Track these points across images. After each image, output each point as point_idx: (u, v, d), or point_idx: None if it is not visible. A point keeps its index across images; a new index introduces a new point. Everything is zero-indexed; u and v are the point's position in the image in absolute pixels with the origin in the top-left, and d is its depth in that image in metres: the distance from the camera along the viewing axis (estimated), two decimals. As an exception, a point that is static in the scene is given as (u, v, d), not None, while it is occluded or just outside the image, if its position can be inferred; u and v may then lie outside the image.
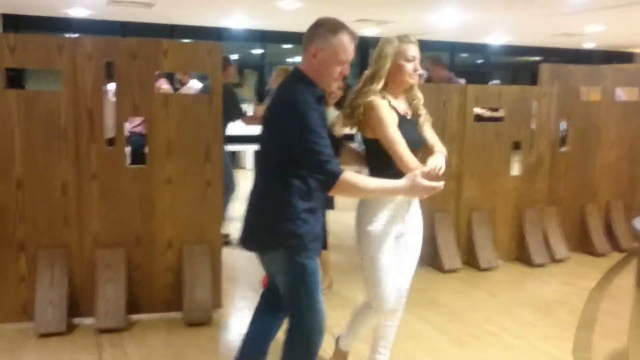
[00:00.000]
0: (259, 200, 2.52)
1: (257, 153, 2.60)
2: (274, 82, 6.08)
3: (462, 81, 6.36)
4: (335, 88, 4.50)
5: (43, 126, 3.78)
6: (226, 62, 6.01)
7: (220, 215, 4.26)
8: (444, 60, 6.75)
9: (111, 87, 4.25)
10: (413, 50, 2.79)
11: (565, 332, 3.94)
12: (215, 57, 4.03)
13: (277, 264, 2.51)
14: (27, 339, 3.63)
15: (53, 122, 3.79)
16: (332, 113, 4.49)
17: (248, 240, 2.58)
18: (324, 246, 2.60)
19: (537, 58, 15.55)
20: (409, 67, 2.77)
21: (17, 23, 11.06)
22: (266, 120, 2.54)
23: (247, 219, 2.56)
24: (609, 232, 5.93)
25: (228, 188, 5.65)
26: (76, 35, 4.02)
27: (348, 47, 2.44)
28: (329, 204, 4.38)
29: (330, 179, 2.32)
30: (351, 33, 2.45)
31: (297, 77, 2.47)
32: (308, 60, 2.44)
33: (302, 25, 2.79)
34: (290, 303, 2.55)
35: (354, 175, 2.37)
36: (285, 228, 2.42)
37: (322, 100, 2.48)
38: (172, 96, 4.31)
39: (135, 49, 3.89)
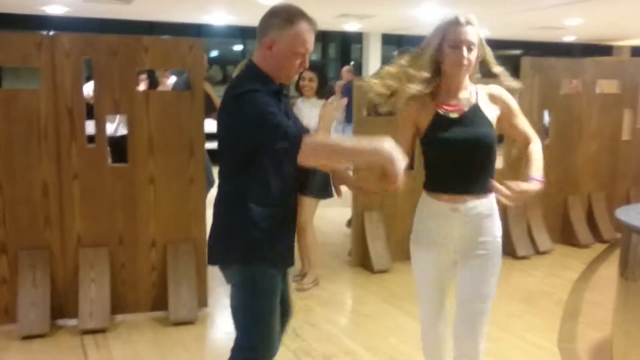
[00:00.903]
0: (217, 207, 2.28)
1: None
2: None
3: None
4: (307, 81, 4.49)
5: (22, 125, 3.71)
6: None
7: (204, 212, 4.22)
8: None
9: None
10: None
11: (550, 323, 3.96)
12: (197, 53, 3.99)
13: (232, 279, 2.27)
14: (10, 341, 3.57)
15: (32, 121, 3.72)
16: (316, 103, 4.47)
17: (209, 253, 2.33)
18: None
19: (517, 51, 15.65)
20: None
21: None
22: (218, 119, 2.29)
23: (210, 229, 2.33)
24: (592, 223, 5.98)
25: (208, 183, 5.60)
26: (53, 32, 3.94)
27: (307, 38, 2.20)
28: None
29: (294, 143, 2.01)
30: (309, 21, 2.21)
31: (251, 72, 2.24)
32: (263, 52, 2.21)
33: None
34: (235, 321, 2.29)
35: (320, 135, 2.12)
36: (240, 238, 2.17)
37: (279, 94, 2.25)
38: (153, 93, 4.27)
39: (115, 46, 3.83)
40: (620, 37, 15.28)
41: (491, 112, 2.39)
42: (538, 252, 5.52)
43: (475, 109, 2.37)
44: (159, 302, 4.01)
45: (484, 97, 2.41)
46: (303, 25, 2.19)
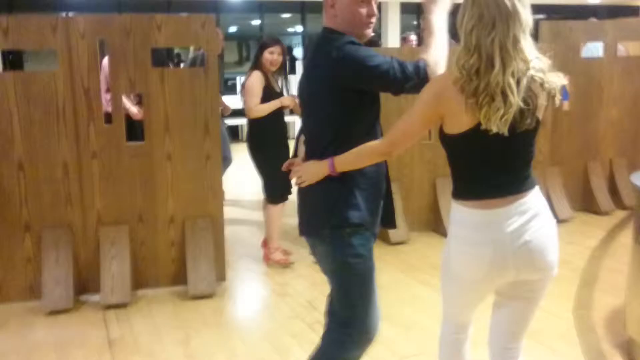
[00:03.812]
0: None
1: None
2: None
3: None
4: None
5: (41, 107, 3.80)
6: None
7: (220, 188, 4.28)
8: None
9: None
10: None
11: (566, 290, 3.96)
12: (209, 30, 4.01)
13: None
14: (36, 317, 3.71)
15: (51, 102, 3.81)
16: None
17: None
18: None
19: (540, 16, 15.32)
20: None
21: (10, 3, 11.00)
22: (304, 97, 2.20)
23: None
24: (613, 190, 5.92)
25: (225, 160, 5.63)
26: (70, 13, 4.00)
27: None
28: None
29: (423, 75, 1.98)
30: None
31: (325, 36, 2.08)
32: (329, 13, 2.06)
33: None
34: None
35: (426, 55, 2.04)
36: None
37: None
38: (168, 71, 4.30)
39: (129, 25, 3.87)
40: (647, -3, 14.84)
41: None
42: (558, 221, 5.38)
43: None
44: (179, 277, 4.11)
45: None
46: None
